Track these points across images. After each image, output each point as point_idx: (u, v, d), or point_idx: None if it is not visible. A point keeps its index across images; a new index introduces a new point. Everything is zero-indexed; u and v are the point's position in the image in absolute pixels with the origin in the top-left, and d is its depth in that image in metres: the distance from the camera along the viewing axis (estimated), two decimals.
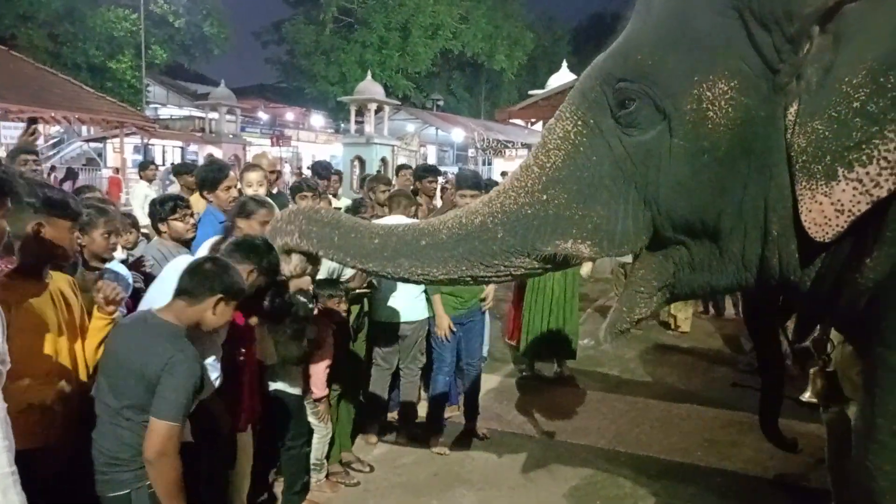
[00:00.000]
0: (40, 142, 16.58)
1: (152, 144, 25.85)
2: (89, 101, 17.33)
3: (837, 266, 1.61)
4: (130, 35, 26.84)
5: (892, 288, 1.54)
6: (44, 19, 24.86)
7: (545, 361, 5.81)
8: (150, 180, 8.80)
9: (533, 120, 13.13)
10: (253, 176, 4.48)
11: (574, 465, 4.14)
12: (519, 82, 39.09)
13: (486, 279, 1.89)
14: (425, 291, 4.27)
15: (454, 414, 4.72)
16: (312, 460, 3.66)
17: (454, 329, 4.29)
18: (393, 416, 4.66)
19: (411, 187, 6.02)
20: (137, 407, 2.13)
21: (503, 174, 22.59)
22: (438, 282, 1.92)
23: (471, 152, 34.24)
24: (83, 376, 2.30)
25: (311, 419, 3.58)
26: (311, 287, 3.44)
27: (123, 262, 3.18)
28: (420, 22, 33.17)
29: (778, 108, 1.56)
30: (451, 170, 25.83)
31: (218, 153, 18.29)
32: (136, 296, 2.83)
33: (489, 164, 30.36)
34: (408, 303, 4.27)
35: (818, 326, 2.65)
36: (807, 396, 3.10)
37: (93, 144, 24.09)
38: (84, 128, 21.06)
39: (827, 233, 1.50)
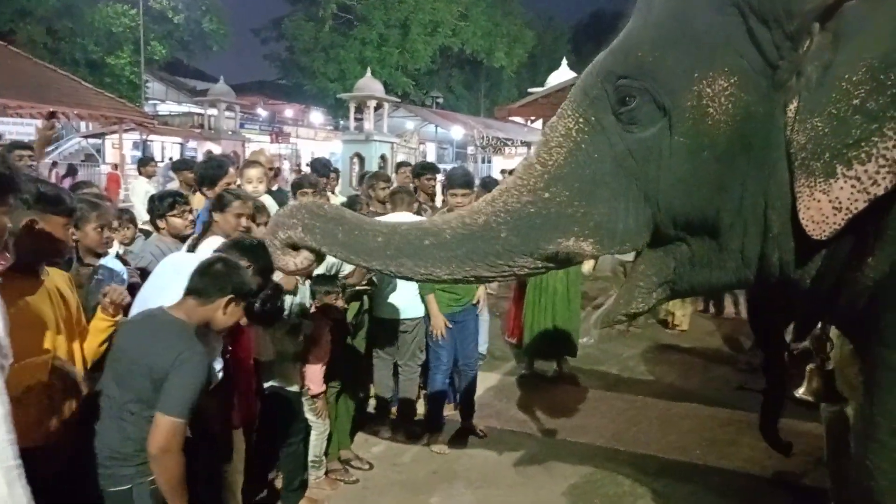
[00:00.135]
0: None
1: (151, 141, 25.78)
2: (88, 97, 17.29)
3: (838, 264, 1.61)
4: (129, 31, 26.77)
5: (892, 287, 1.54)
6: (42, 15, 24.80)
7: (546, 360, 5.80)
8: (150, 177, 8.79)
9: (532, 118, 13.12)
10: (253, 172, 4.47)
11: (573, 464, 4.14)
12: (518, 80, 39.08)
13: (490, 279, 1.88)
14: (420, 293, 4.27)
15: (452, 413, 4.72)
16: (311, 457, 3.66)
17: (450, 325, 4.28)
18: (392, 412, 4.66)
19: (411, 185, 6.03)
20: (142, 401, 2.14)
21: (503, 172, 22.65)
22: (442, 281, 1.90)
23: (470, 150, 34.21)
24: (81, 374, 2.28)
25: (308, 416, 3.58)
26: (302, 284, 3.44)
27: (118, 257, 3.18)
28: (420, 19, 33.14)
29: (777, 105, 1.56)
30: (451, 167, 25.87)
31: (217, 150, 18.28)
32: (132, 291, 2.83)
33: (489, 161, 30.35)
34: (408, 300, 4.27)
35: (818, 325, 2.65)
36: (801, 392, 3.10)
37: (91, 140, 24.06)
38: (83, 124, 21.02)
39: (824, 230, 1.50)
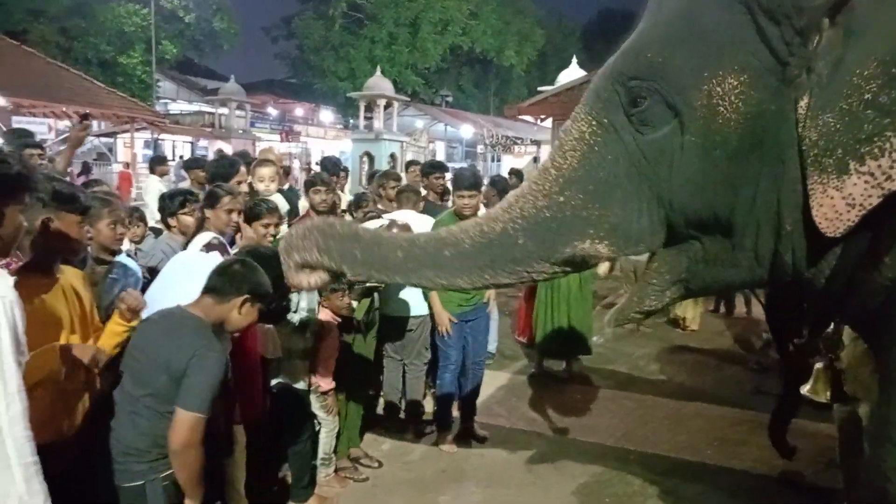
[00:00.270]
0: (51, 136, 16.67)
1: (162, 140, 25.92)
2: (100, 97, 17.40)
3: (852, 263, 1.59)
4: (140, 30, 26.92)
5: None
6: (55, 14, 24.97)
7: (557, 358, 5.79)
8: (163, 176, 8.85)
9: (542, 116, 13.07)
10: (265, 171, 4.48)
11: (582, 463, 4.13)
12: (528, 78, 38.98)
13: (510, 285, 1.90)
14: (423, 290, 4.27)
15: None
16: (321, 455, 3.67)
17: (455, 321, 4.26)
18: (401, 410, 4.66)
19: (420, 184, 6.03)
20: (158, 396, 2.17)
21: (510, 172, 22.61)
22: (463, 290, 1.92)
23: (480, 149, 34.20)
24: (93, 375, 2.29)
25: (318, 413, 3.59)
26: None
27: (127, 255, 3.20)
28: (429, 18, 33.12)
29: (788, 102, 1.55)
30: (460, 166, 25.85)
31: (228, 148, 18.35)
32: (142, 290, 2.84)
33: (498, 160, 30.34)
34: (416, 297, 4.28)
35: (831, 325, 2.63)
36: (806, 390, 3.08)
37: (103, 139, 24.19)
38: (94, 123, 21.15)
39: (838, 227, 1.48)
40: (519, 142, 30.02)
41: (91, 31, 25.93)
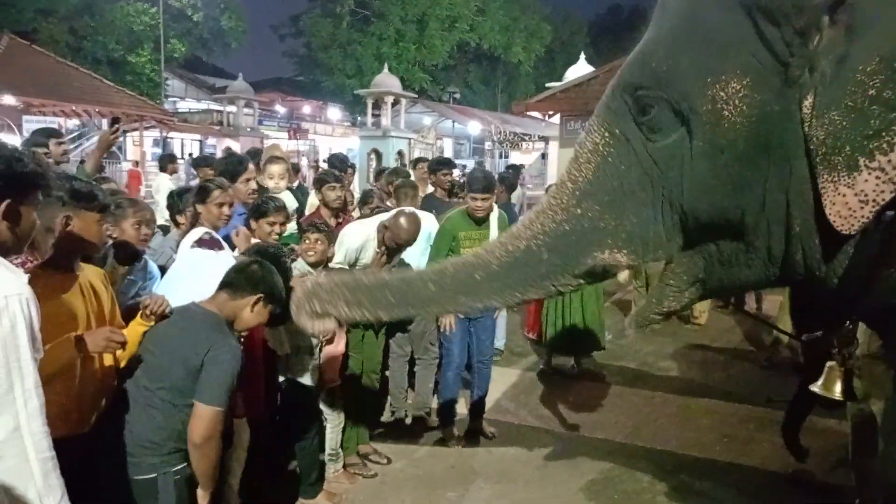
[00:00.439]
0: None
1: (171, 138, 26.05)
2: (109, 95, 17.52)
3: (866, 260, 1.58)
4: (149, 29, 27.07)
5: None
6: (64, 14, 25.14)
7: (567, 355, 5.78)
8: (173, 173, 8.92)
9: (550, 112, 13.02)
10: (275, 168, 4.49)
11: (591, 459, 4.13)
12: (536, 75, 38.93)
13: (538, 299, 1.93)
14: None
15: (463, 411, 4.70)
16: (328, 450, 3.69)
17: (460, 316, 4.24)
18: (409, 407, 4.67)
19: (427, 180, 6.04)
20: (174, 390, 2.21)
21: (520, 167, 22.57)
22: (497, 309, 1.97)
23: (487, 145, 34.18)
24: (111, 370, 2.31)
25: (323, 408, 3.61)
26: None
27: None
28: (437, 14, 33.13)
29: (793, 102, 1.55)
30: (468, 163, 25.82)
31: (236, 146, 18.40)
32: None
33: (506, 156, 30.30)
34: None
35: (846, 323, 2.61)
36: (817, 387, 3.06)
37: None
38: (104, 121, 21.26)
39: (853, 225, 1.48)
40: (527, 138, 29.96)
41: (100, 31, 26.09)
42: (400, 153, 15.94)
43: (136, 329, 2.31)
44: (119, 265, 2.77)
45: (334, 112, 36.49)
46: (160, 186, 8.19)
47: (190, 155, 19.97)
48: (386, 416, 4.57)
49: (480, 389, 4.50)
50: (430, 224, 4.40)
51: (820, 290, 1.72)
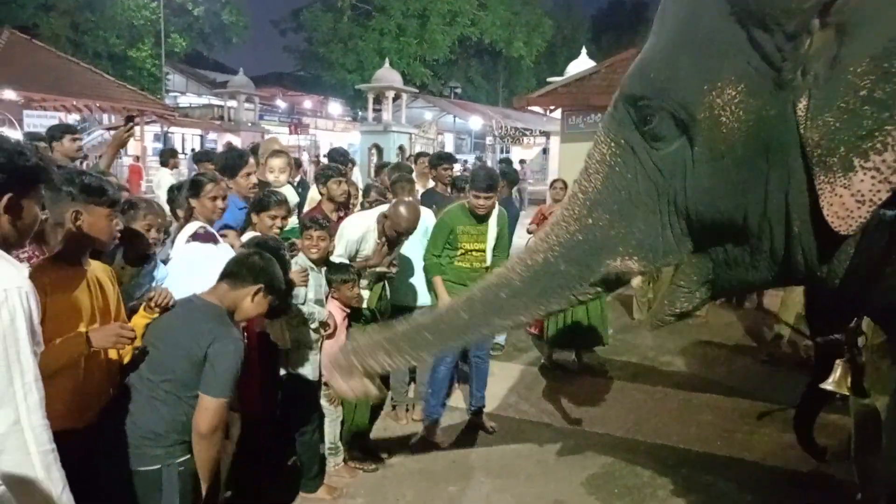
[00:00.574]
0: None
1: (172, 132, 26.04)
2: (110, 90, 17.51)
3: (868, 259, 1.60)
4: (150, 24, 27.00)
5: None
6: (65, 9, 25.07)
7: (569, 349, 5.78)
8: (174, 168, 8.91)
9: (552, 107, 12.96)
10: (276, 162, 4.49)
11: (592, 454, 4.13)
12: (537, 69, 38.77)
13: (563, 309, 2.04)
14: (426, 277, 4.27)
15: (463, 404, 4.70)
16: (327, 444, 3.69)
17: None
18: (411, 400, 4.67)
19: (429, 175, 6.03)
20: (178, 382, 2.22)
21: (521, 162, 22.54)
22: (527, 324, 2.03)
23: (489, 140, 34.15)
24: (115, 364, 2.32)
25: (322, 402, 3.61)
26: (318, 272, 3.47)
27: None
28: (438, 9, 33.01)
29: (788, 106, 1.57)
30: (469, 158, 25.77)
31: (237, 141, 18.41)
32: None
33: (507, 151, 30.27)
34: (423, 286, 4.28)
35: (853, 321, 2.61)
36: (829, 384, 3.06)
37: (114, 133, 24.31)
38: (105, 116, 21.26)
39: (850, 225, 1.49)
40: (528, 133, 29.95)
41: (101, 25, 26.03)
42: (401, 148, 15.95)
43: (138, 322, 2.32)
44: (128, 265, 2.78)
45: (335, 107, 36.40)
46: (161, 181, 8.19)
47: (192, 150, 19.94)
48: (387, 410, 4.58)
49: (478, 384, 4.50)
50: (428, 219, 4.40)
51: (823, 290, 1.73)
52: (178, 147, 22.57)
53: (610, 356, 5.92)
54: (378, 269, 3.95)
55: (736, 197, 1.66)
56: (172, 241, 3.38)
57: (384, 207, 4.04)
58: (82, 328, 2.13)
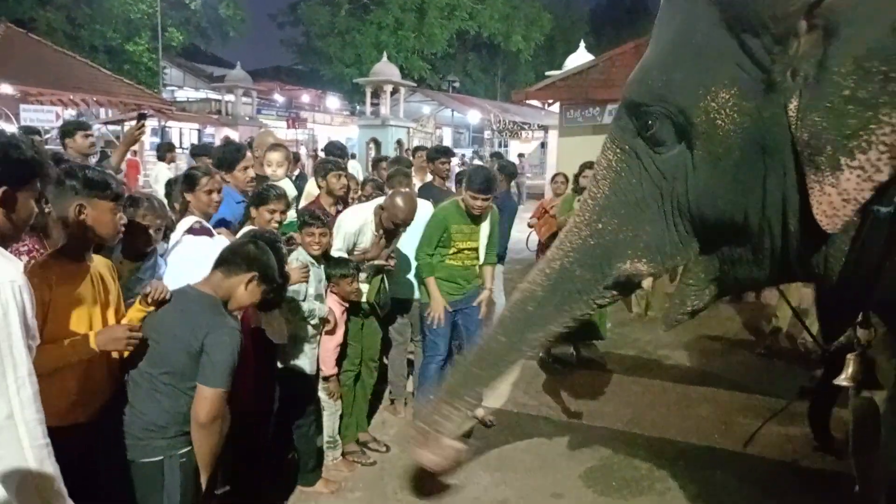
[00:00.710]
0: (58, 124, 16.69)
1: (169, 127, 25.93)
2: (107, 84, 17.41)
3: (866, 256, 1.60)
4: (147, 17, 26.90)
5: None
6: (62, 2, 24.99)
7: (567, 344, 5.77)
8: (171, 162, 8.90)
9: (550, 101, 12.92)
10: (274, 156, 4.48)
11: (590, 447, 4.14)
12: (536, 63, 38.68)
13: (588, 314, 2.09)
14: (417, 275, 4.28)
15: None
16: (326, 438, 3.70)
17: (450, 309, 4.22)
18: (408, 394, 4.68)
19: (426, 169, 6.02)
20: (177, 374, 2.22)
21: (520, 156, 22.50)
22: (559, 334, 2.13)
23: (487, 134, 34.07)
24: (116, 361, 2.31)
25: (321, 396, 3.61)
26: (318, 267, 3.46)
27: None
28: (436, 3, 32.90)
29: (780, 107, 1.60)
30: (467, 152, 25.75)
31: (234, 135, 18.36)
32: None
33: (506, 145, 30.20)
34: (411, 281, 4.29)
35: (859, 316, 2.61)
36: (842, 379, 3.06)
37: (111, 127, 24.23)
38: (102, 110, 21.19)
39: (836, 223, 1.52)
40: (526, 127, 29.85)
41: (97, 19, 25.93)
42: (399, 142, 15.93)
43: (134, 315, 2.31)
44: (126, 260, 2.77)
45: (333, 101, 36.33)
46: (159, 176, 8.18)
47: (192, 144, 19.92)
48: (385, 404, 4.59)
49: None
50: (426, 212, 4.39)
51: (825, 288, 1.75)
52: (176, 141, 22.44)
53: (608, 350, 5.93)
54: (376, 262, 3.94)
55: (736, 197, 1.70)
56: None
57: (381, 200, 4.03)
58: (86, 322, 2.14)
